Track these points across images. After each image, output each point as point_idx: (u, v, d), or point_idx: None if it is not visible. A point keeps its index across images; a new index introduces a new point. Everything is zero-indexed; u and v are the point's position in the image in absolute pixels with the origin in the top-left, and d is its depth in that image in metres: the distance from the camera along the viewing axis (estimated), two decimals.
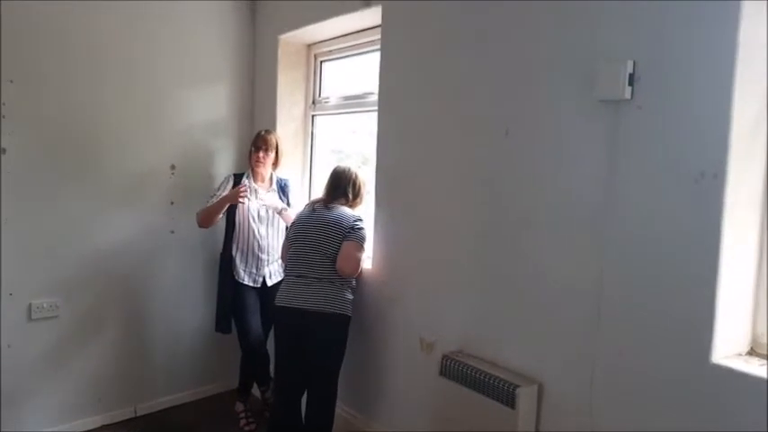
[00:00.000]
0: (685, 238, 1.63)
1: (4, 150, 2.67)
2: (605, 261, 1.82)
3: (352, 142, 3.47)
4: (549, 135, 1.99)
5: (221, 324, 3.12)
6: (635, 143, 1.74)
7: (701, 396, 1.60)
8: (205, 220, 3.03)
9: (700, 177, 1.60)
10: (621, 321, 1.78)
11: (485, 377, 2.06)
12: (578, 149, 1.90)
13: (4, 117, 2.65)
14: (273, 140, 3.12)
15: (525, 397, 1.96)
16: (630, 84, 1.73)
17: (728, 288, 1.58)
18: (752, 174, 1.61)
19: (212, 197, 3.07)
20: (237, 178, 3.14)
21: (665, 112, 1.67)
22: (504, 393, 1.98)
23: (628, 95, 1.73)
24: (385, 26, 2.66)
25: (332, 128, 3.54)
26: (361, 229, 2.62)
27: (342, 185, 2.70)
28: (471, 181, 2.27)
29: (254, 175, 3.13)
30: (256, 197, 3.05)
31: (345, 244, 2.56)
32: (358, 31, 3.07)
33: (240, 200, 2.92)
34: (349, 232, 2.58)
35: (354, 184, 2.71)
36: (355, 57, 3.23)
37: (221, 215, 3.04)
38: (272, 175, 3.18)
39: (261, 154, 3.07)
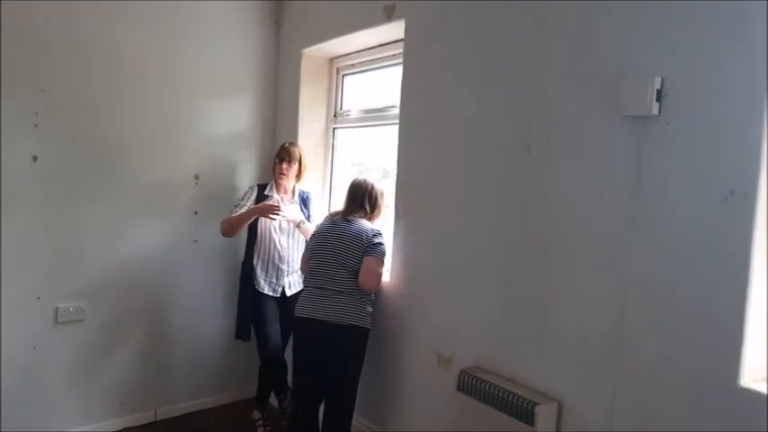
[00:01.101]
0: (713, 258, 1.60)
1: (36, 158, 2.75)
2: (629, 279, 1.79)
3: (373, 155, 3.49)
4: (574, 151, 1.97)
5: (241, 331, 3.15)
6: (662, 160, 1.72)
7: (729, 420, 1.56)
8: (230, 229, 3.06)
9: (729, 196, 1.57)
10: (645, 341, 1.75)
11: (503, 393, 2.04)
12: (603, 166, 1.88)
13: (36, 126, 2.73)
14: (297, 153, 3.15)
15: (544, 415, 1.93)
16: (658, 99, 1.70)
17: (758, 310, 1.54)
18: None
19: (236, 207, 3.10)
20: (261, 189, 3.17)
21: (694, 129, 1.65)
22: (522, 410, 1.96)
23: (655, 111, 1.71)
24: (408, 40, 2.68)
25: (353, 141, 3.56)
26: (381, 243, 2.62)
27: (359, 197, 2.71)
28: (492, 196, 2.26)
29: (277, 187, 3.16)
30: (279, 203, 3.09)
31: (366, 260, 2.57)
32: (380, 45, 3.09)
33: (272, 216, 2.95)
34: (369, 247, 2.58)
35: (371, 195, 2.71)
36: (377, 70, 3.25)
37: (246, 225, 3.07)
38: (294, 187, 3.20)
39: (284, 166, 3.10)
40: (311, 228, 3.00)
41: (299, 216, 3.11)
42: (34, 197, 2.75)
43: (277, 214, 2.94)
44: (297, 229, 3.11)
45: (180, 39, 3.17)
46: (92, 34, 2.87)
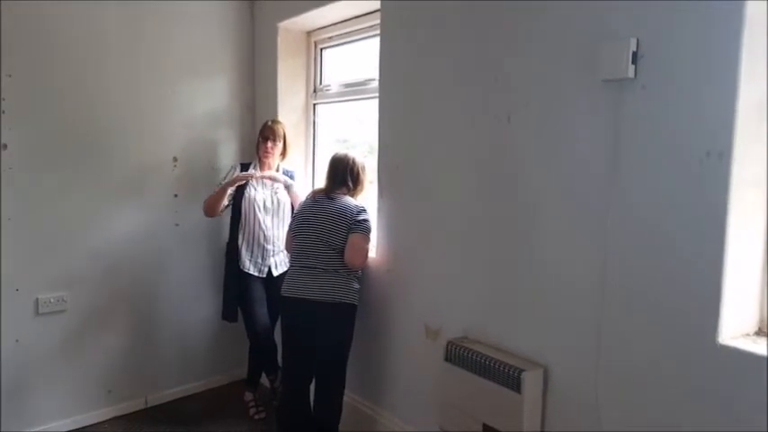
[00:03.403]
0: (690, 219, 1.60)
1: (5, 146, 2.67)
2: (609, 243, 1.80)
3: (358, 131, 3.44)
4: (552, 118, 1.96)
5: (228, 313, 3.14)
6: (639, 123, 1.71)
7: (708, 377, 1.58)
8: (209, 208, 3.05)
9: (705, 157, 1.57)
10: (626, 303, 1.77)
11: (490, 362, 2.05)
12: (581, 131, 1.87)
13: (3, 112, 2.65)
14: (281, 130, 3.11)
15: (531, 381, 1.95)
16: (634, 62, 1.69)
17: (735, 268, 1.56)
18: (758, 153, 1.57)
19: (218, 186, 3.08)
20: (244, 168, 3.14)
21: (670, 91, 1.64)
22: (509, 378, 1.98)
23: (631, 74, 1.70)
24: (384, 10, 2.63)
25: (336, 117, 3.51)
26: (365, 220, 2.60)
27: (340, 173, 2.68)
28: (474, 167, 2.24)
29: (262, 166, 3.13)
30: (262, 183, 3.07)
31: (352, 237, 2.55)
32: (358, 17, 3.03)
33: (242, 180, 2.97)
34: (354, 225, 2.56)
35: (352, 170, 2.68)
36: (356, 43, 3.20)
37: (226, 203, 3.04)
38: (278, 166, 3.17)
39: (269, 144, 3.06)
40: (300, 193, 3.00)
41: (288, 179, 3.10)
42: (6, 187, 2.68)
43: (250, 177, 2.98)
44: (282, 208, 3.09)
45: (151, 19, 3.08)
46: (60, 17, 2.78)
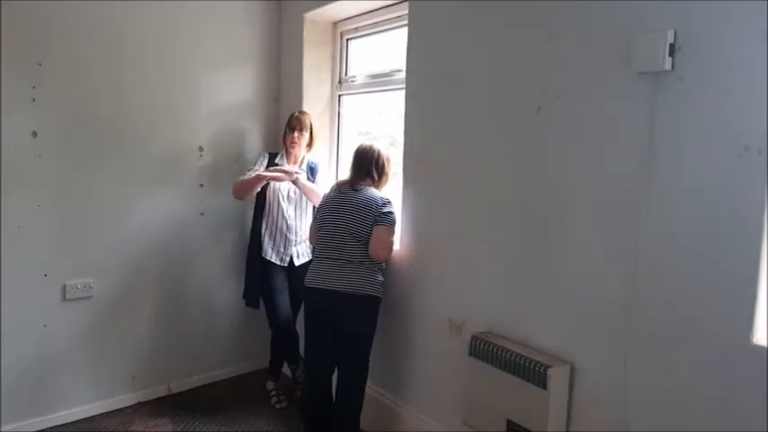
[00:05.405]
0: (727, 216, 1.56)
1: (36, 134, 2.71)
2: (642, 239, 1.76)
3: (379, 124, 3.43)
4: (584, 110, 1.92)
5: (249, 297, 3.18)
6: (675, 117, 1.67)
7: (742, 378, 1.54)
8: (240, 191, 3.06)
9: (744, 152, 1.53)
10: (658, 300, 1.73)
11: (515, 357, 2.03)
12: (615, 124, 1.83)
13: (34, 100, 2.68)
14: (308, 121, 3.12)
15: (557, 377, 1.93)
16: (671, 54, 1.65)
17: None
18: None
19: (248, 170, 3.11)
20: (272, 157, 3.17)
21: (708, 84, 1.60)
22: (535, 374, 1.95)
23: (668, 67, 1.65)
24: (411, 1, 2.60)
25: (359, 109, 3.50)
26: (390, 212, 2.59)
27: (365, 165, 2.67)
28: (502, 159, 2.21)
29: (288, 156, 3.15)
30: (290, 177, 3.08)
31: (377, 229, 2.54)
32: (384, 7, 3.01)
33: (277, 177, 2.97)
34: (379, 216, 2.55)
35: (377, 162, 2.67)
36: (382, 33, 3.18)
37: (258, 189, 3.06)
38: (304, 157, 3.18)
39: (296, 135, 3.08)
40: (314, 187, 2.99)
41: (295, 168, 3.07)
42: (36, 174, 2.72)
43: (285, 179, 2.97)
44: (305, 199, 3.09)
45: (179, 9, 3.10)
46: (90, 5, 2.80)
